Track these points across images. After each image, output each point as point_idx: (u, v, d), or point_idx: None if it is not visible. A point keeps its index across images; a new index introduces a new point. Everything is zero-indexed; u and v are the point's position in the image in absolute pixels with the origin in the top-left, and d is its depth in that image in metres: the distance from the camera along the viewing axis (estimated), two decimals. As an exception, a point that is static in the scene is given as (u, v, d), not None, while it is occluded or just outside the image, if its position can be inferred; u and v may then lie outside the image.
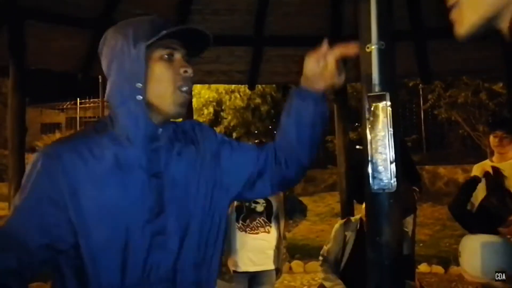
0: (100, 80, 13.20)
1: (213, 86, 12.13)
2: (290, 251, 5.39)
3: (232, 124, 13.17)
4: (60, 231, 1.07)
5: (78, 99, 21.00)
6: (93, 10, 4.58)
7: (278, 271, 3.28)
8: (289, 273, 6.25)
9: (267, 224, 3.18)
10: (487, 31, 0.69)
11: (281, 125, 1.37)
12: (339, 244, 2.92)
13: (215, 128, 12.90)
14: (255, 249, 3.17)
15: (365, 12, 1.58)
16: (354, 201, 5.00)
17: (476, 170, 3.66)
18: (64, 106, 22.24)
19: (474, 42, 5.08)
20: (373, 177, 1.54)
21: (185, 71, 1.16)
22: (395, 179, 1.52)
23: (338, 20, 5.20)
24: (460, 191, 3.07)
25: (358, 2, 1.63)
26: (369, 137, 1.56)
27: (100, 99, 15.95)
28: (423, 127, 12.30)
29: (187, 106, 1.20)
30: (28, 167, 1.13)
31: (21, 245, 1.06)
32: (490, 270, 1.74)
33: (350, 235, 2.88)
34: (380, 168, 1.53)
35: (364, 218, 2.69)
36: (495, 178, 2.78)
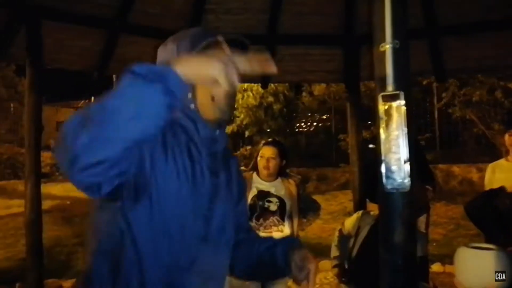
0: (114, 79, 13.30)
1: (226, 84, 12.15)
2: (303, 250, 5.38)
3: (244, 122, 13.20)
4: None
5: (93, 97, 21.20)
6: (109, 10, 4.63)
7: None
8: (302, 272, 6.23)
9: (280, 223, 3.18)
10: None
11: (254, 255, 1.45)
12: (353, 229, 2.93)
13: (227, 126, 12.99)
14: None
15: (379, 11, 1.57)
16: (367, 200, 4.99)
17: (490, 168, 3.63)
18: (80, 105, 22.48)
19: (490, 40, 5.04)
20: (387, 177, 1.53)
21: None
22: (408, 179, 1.51)
23: (352, 19, 5.17)
24: (480, 194, 3.03)
25: (372, 0, 1.62)
26: (382, 136, 1.55)
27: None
28: (437, 125, 12.19)
29: (231, 112, 1.31)
30: None
31: None
32: (486, 283, 1.71)
33: (364, 228, 2.87)
34: (394, 167, 1.52)
35: None
36: None
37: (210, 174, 1.24)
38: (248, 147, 12.74)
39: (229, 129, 13.15)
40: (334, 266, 3.02)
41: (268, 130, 13.25)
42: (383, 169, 1.55)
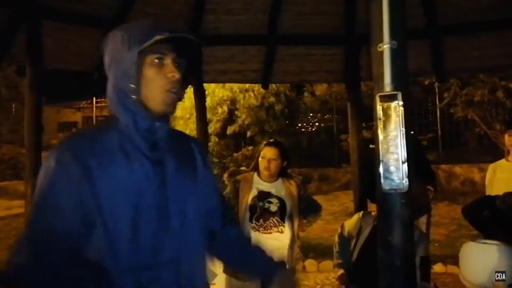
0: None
1: (227, 85, 12.15)
2: (304, 250, 5.37)
3: (246, 122, 13.18)
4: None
5: (94, 98, 21.23)
6: (109, 10, 4.63)
7: (292, 270, 3.28)
8: (303, 272, 6.23)
9: (280, 223, 3.17)
10: None
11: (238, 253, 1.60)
12: (354, 230, 2.93)
13: (229, 127, 12.96)
14: (268, 248, 3.16)
15: (377, 11, 1.57)
16: (368, 200, 4.98)
17: (491, 169, 3.62)
18: (81, 105, 22.53)
19: (491, 39, 5.03)
20: (385, 177, 1.53)
21: (173, 76, 1.29)
22: (407, 179, 1.51)
23: (352, 19, 5.17)
24: (478, 199, 3.03)
25: (370, 1, 1.62)
26: (380, 137, 1.55)
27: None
28: (439, 125, 12.16)
29: (175, 106, 1.34)
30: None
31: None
32: (489, 278, 1.71)
33: (366, 228, 2.86)
34: (392, 168, 1.52)
35: None
36: None
37: (152, 166, 1.26)
38: (250, 148, 12.72)
39: (230, 129, 13.14)
40: (338, 276, 3.02)
41: (270, 130, 13.23)
42: (381, 169, 1.55)
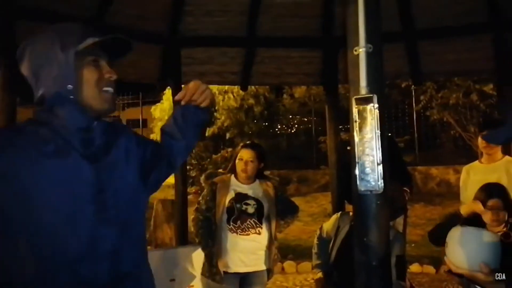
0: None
1: (206, 86, 12.09)
2: (283, 252, 5.40)
3: (225, 124, 13.17)
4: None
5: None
6: (86, 11, 4.56)
7: (269, 271, 3.29)
8: (282, 274, 6.26)
9: (258, 225, 3.18)
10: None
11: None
12: (332, 230, 2.95)
13: (208, 128, 12.91)
14: (246, 250, 3.17)
15: (353, 15, 1.59)
16: (345, 201, 5.02)
17: (465, 171, 3.69)
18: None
19: (465, 44, 5.14)
20: (361, 179, 1.55)
21: (110, 76, 1.35)
22: (382, 181, 1.53)
23: (330, 22, 5.22)
24: (440, 224, 3.10)
25: (346, 5, 1.64)
26: (356, 139, 1.57)
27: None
28: (415, 127, 12.36)
29: (114, 103, 1.39)
30: None
31: None
32: (475, 262, 1.76)
33: (343, 228, 2.89)
34: (368, 169, 1.54)
35: None
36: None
37: (87, 161, 1.28)
38: (229, 149, 12.70)
39: (209, 131, 13.09)
40: (316, 280, 3.03)
41: (249, 132, 13.23)
42: (357, 171, 1.57)
